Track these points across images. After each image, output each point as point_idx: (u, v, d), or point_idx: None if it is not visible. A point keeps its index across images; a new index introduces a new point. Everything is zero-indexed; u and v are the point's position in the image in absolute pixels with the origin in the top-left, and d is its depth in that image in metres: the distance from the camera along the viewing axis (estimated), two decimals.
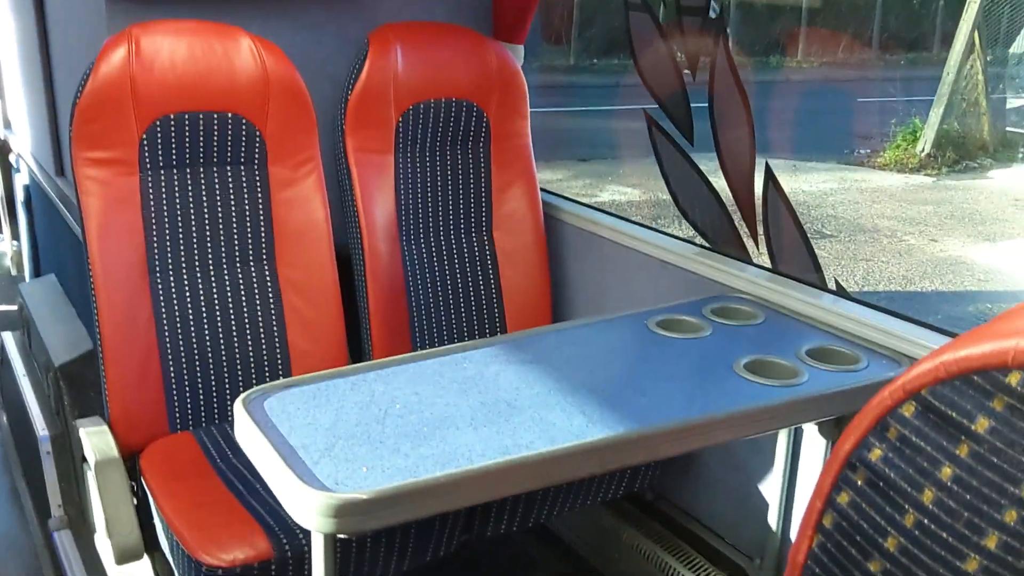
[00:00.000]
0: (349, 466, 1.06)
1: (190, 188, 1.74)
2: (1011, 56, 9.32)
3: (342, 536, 1.07)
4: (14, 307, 3.06)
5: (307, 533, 1.06)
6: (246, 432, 1.16)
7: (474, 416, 1.18)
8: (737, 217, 1.88)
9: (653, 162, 1.98)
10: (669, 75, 1.94)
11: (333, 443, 1.11)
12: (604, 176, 7.86)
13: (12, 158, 3.50)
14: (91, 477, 1.58)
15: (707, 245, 1.87)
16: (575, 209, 2.11)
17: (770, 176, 1.82)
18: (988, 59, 8.72)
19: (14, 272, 3.71)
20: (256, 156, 1.78)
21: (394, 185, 1.95)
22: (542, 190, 2.12)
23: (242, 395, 1.21)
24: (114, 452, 1.57)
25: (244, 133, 1.75)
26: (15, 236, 3.76)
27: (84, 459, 1.63)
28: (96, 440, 1.58)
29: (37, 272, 3.25)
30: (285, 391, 1.24)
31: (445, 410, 1.20)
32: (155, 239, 1.70)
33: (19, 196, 3.36)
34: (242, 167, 1.78)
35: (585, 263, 2.08)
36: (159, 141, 1.69)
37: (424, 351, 1.39)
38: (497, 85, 2.01)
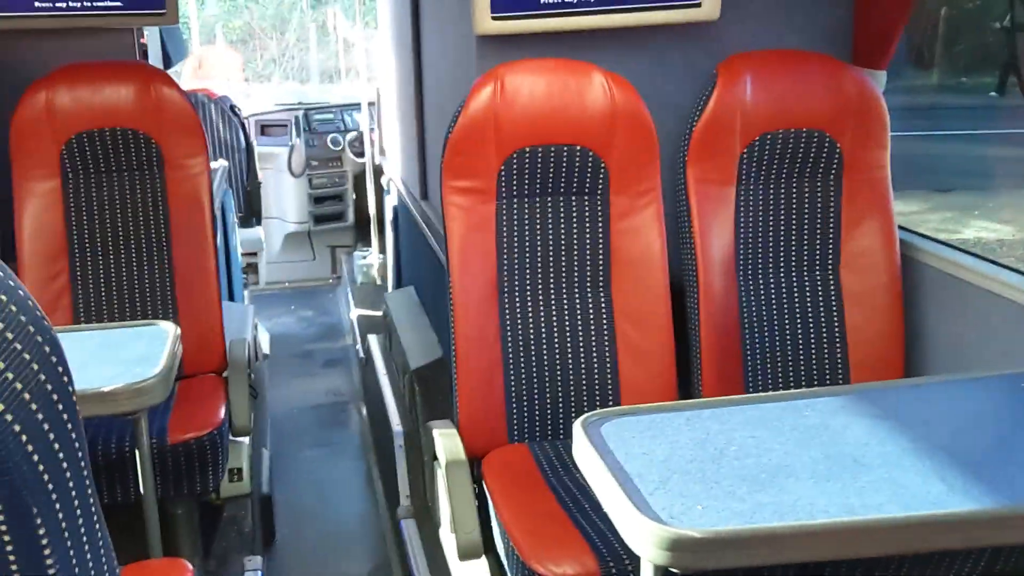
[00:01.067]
0: (683, 501, 1.07)
1: (538, 216, 1.88)
2: None
3: (672, 570, 1.09)
4: (379, 313, 3.51)
5: (634, 559, 1.09)
6: (584, 453, 1.22)
7: (816, 468, 1.13)
8: None
9: None
10: None
11: (668, 476, 1.13)
12: (969, 209, 7.03)
13: (384, 181, 4.03)
14: (440, 475, 1.76)
15: None
16: (937, 249, 1.93)
17: None
18: None
19: (379, 282, 4.25)
20: (599, 186, 1.87)
21: (734, 218, 1.93)
22: (899, 227, 1.97)
23: (581, 417, 1.28)
24: (462, 454, 1.73)
25: (590, 164, 1.85)
26: (382, 250, 4.32)
27: (435, 457, 1.82)
28: (447, 442, 1.76)
29: (399, 283, 3.69)
30: (621, 418, 1.28)
31: (784, 458, 1.16)
32: (505, 262, 1.86)
33: (388, 215, 3.85)
34: (586, 197, 1.88)
35: (946, 310, 1.89)
36: (514, 172, 1.84)
37: (762, 394, 1.36)
38: (854, 114, 1.91)
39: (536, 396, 1.86)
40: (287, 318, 4.44)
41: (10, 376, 0.64)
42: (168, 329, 1.74)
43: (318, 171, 4.85)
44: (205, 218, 2.35)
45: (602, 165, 1.85)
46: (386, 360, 3.05)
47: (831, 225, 1.95)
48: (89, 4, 2.37)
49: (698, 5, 1.94)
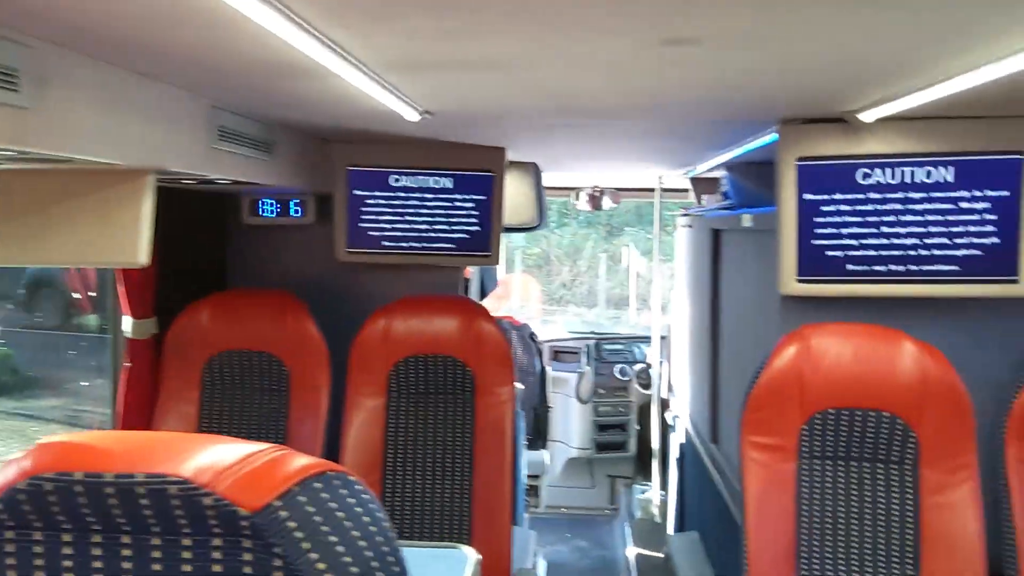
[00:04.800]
0: None
1: (841, 480, 1.92)
2: None
3: None
4: (658, 554, 3.55)
5: None
6: None
7: None
8: None
9: None
10: None
11: None
12: None
13: (669, 416, 4.18)
14: None
15: None
16: None
17: None
18: None
19: (658, 519, 4.30)
20: (908, 456, 1.88)
21: None
22: None
23: None
24: None
25: (898, 432, 1.88)
26: (663, 486, 4.40)
27: None
28: None
29: (681, 525, 3.73)
30: None
31: None
32: (804, 525, 1.90)
33: (673, 453, 3.96)
34: (894, 466, 1.89)
35: None
36: (817, 433, 1.92)
37: None
38: None
39: None
40: (562, 547, 4.57)
41: None
42: (469, 555, 1.94)
43: (604, 399, 5.12)
44: (506, 445, 2.61)
45: (912, 435, 1.88)
46: None
47: None
48: (428, 246, 2.87)
49: (1016, 281, 1.98)
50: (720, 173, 3.38)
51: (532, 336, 4.58)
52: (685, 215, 3.92)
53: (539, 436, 4.51)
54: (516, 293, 6.53)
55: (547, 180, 4.14)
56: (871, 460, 1.91)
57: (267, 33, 1.22)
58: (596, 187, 4.69)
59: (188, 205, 2.74)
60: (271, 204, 2.96)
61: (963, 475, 1.85)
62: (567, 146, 3.00)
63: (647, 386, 4.95)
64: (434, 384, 2.62)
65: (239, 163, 2.07)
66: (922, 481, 1.87)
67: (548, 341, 5.20)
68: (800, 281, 2.16)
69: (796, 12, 1.19)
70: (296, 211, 2.96)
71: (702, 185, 3.97)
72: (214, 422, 2.53)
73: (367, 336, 2.60)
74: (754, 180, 2.91)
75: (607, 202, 4.73)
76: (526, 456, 4.06)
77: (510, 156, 3.19)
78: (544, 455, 4.57)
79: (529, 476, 4.39)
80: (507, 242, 7.76)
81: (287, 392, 2.55)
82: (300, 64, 1.45)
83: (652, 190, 4.51)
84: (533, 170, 3.49)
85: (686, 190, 4.36)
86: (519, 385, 4.02)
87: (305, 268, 3.04)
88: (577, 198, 4.74)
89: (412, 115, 2.03)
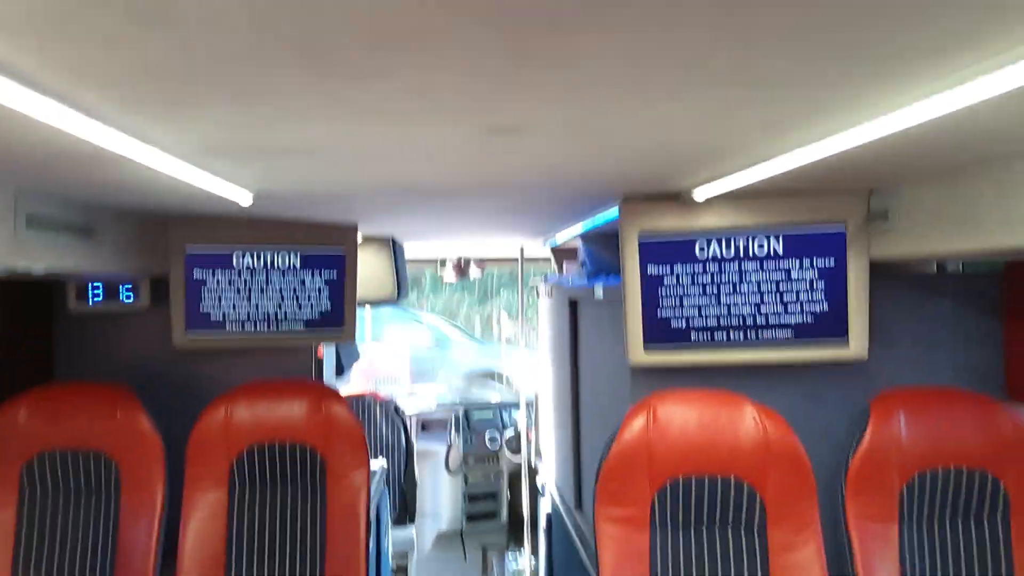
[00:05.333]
0: None
1: (694, 549, 1.92)
2: None
3: None
4: None
5: None
6: None
7: None
8: None
9: None
10: None
11: None
12: None
13: (539, 482, 4.14)
14: None
15: None
16: None
17: None
18: None
19: None
20: (756, 519, 1.91)
21: (898, 558, 1.90)
22: None
23: None
24: None
25: (746, 496, 1.91)
26: (534, 552, 4.34)
27: None
28: None
29: None
30: None
31: None
32: None
33: (542, 519, 3.92)
34: (743, 530, 1.92)
35: None
36: (668, 501, 1.93)
37: None
38: (1015, 451, 1.91)
39: None
40: None
41: None
42: None
43: (474, 468, 5.04)
44: (360, 530, 2.48)
45: (758, 497, 1.91)
46: None
47: (1003, 572, 1.88)
48: (275, 328, 2.75)
49: (846, 345, 2.07)
50: (578, 243, 3.42)
51: (397, 410, 4.48)
52: (546, 283, 3.95)
53: (406, 513, 4.38)
54: (384, 368, 6.41)
55: (412, 251, 4.10)
56: (721, 525, 1.93)
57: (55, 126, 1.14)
58: (461, 257, 4.69)
59: (4, 293, 2.56)
60: (99, 290, 2.79)
61: (807, 534, 1.89)
62: (423, 221, 2.97)
63: (518, 451, 4.91)
64: (281, 473, 2.47)
65: (53, 251, 1.93)
66: (770, 542, 1.90)
67: (415, 414, 5.10)
68: (647, 351, 2.18)
69: (609, 103, 1.20)
70: (128, 296, 2.79)
71: (562, 254, 4.03)
72: (35, 529, 2.31)
73: (205, 426, 2.42)
74: (607, 250, 2.97)
75: (473, 271, 4.73)
76: (391, 535, 3.93)
77: (365, 231, 3.13)
78: (411, 531, 4.44)
79: (396, 555, 4.24)
80: (378, 309, 7.63)
81: (117, 491, 2.36)
82: (105, 154, 1.36)
83: (516, 259, 4.54)
84: (390, 244, 3.44)
85: (548, 259, 4.41)
86: (383, 461, 3.91)
87: (140, 357, 2.86)
88: (443, 267, 4.72)
89: (244, 197, 1.96)
